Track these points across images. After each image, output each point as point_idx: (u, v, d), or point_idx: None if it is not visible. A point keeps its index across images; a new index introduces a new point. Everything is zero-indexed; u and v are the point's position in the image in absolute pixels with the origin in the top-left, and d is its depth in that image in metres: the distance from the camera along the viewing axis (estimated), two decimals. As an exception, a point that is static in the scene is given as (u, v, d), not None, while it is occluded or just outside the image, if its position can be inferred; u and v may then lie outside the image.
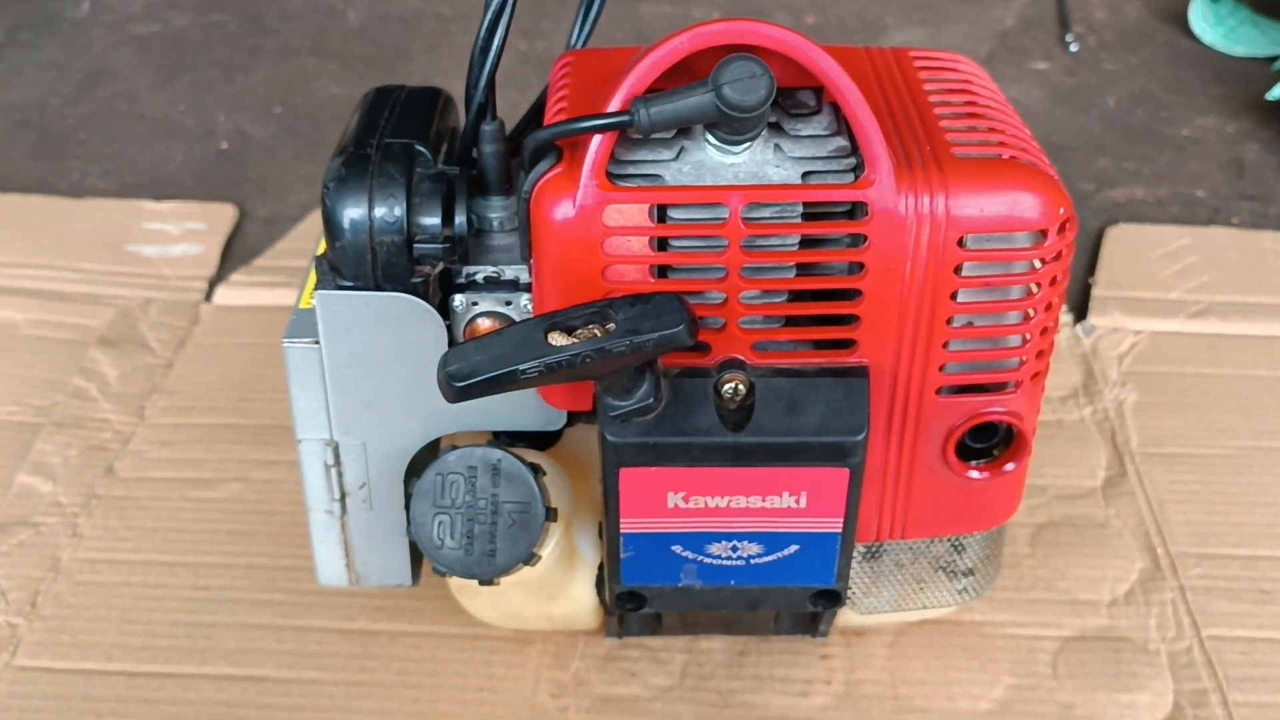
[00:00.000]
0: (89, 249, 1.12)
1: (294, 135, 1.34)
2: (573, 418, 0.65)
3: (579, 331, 0.54)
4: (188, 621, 0.78)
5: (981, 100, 0.62)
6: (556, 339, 0.54)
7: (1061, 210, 0.57)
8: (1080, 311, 1.04)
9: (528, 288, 0.62)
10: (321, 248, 0.62)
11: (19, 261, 1.10)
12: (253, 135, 1.34)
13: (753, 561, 0.63)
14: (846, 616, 0.74)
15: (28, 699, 0.73)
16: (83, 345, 1.00)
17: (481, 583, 0.62)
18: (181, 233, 1.15)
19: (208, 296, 1.08)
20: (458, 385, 0.53)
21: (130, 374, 0.98)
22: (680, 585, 0.64)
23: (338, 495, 0.66)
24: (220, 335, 1.03)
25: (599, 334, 0.54)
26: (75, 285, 1.08)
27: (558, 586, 0.70)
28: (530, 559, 0.62)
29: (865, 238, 0.56)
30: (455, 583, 0.71)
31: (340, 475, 0.66)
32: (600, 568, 0.70)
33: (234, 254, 1.14)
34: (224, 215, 1.18)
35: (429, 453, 0.66)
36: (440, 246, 0.60)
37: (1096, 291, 1.06)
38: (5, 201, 1.19)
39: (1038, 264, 0.58)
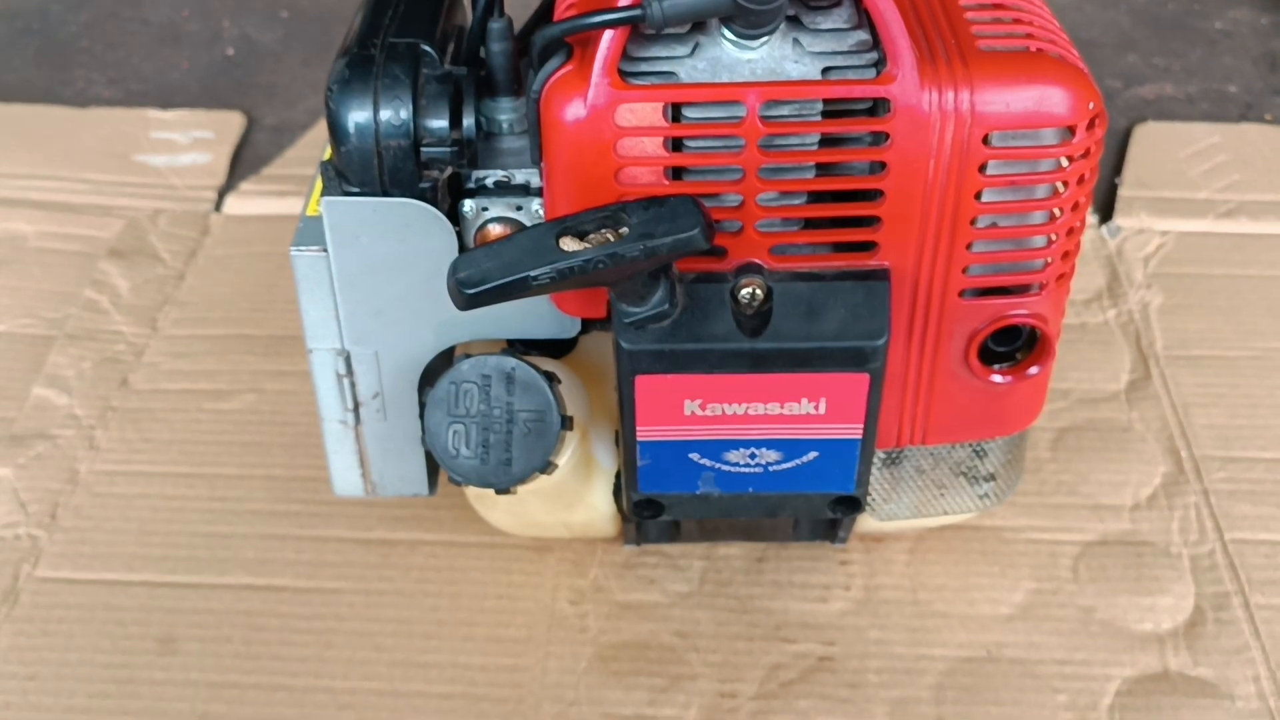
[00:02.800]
0: (96, 159, 1.10)
1: (301, 40, 1.31)
2: (588, 325, 0.64)
3: (591, 236, 0.53)
4: (206, 532, 0.78)
5: (1009, -10, 0.59)
6: (568, 244, 0.52)
7: (1091, 105, 0.55)
8: (1106, 212, 1.02)
9: (539, 192, 0.60)
10: (328, 153, 0.60)
11: (26, 173, 1.08)
12: (259, 40, 1.31)
13: (771, 468, 0.62)
14: (866, 522, 0.73)
15: (51, 609, 0.74)
16: (93, 257, 1.00)
17: (498, 492, 0.62)
18: (189, 142, 1.13)
19: (217, 206, 1.06)
20: (468, 292, 0.52)
21: (142, 285, 0.97)
22: (698, 493, 0.63)
23: (351, 405, 0.66)
24: (231, 245, 1.02)
25: (612, 238, 0.52)
26: (83, 196, 1.06)
27: (575, 495, 0.69)
28: (546, 468, 0.62)
29: (887, 136, 0.54)
30: (472, 492, 0.71)
31: (353, 385, 0.65)
32: (618, 476, 0.69)
33: (243, 163, 1.12)
34: (232, 123, 1.16)
35: (443, 361, 0.65)
36: (448, 150, 0.58)
37: (1123, 192, 1.03)
38: (10, 112, 1.18)
39: (1065, 162, 0.56)
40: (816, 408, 0.59)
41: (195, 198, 1.07)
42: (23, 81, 1.24)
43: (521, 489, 0.62)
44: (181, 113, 1.17)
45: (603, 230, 0.53)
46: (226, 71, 1.26)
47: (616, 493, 0.70)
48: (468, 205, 0.60)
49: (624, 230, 0.52)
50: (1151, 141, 1.10)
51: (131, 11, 1.35)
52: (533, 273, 0.52)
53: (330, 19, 1.34)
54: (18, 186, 1.07)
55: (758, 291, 0.57)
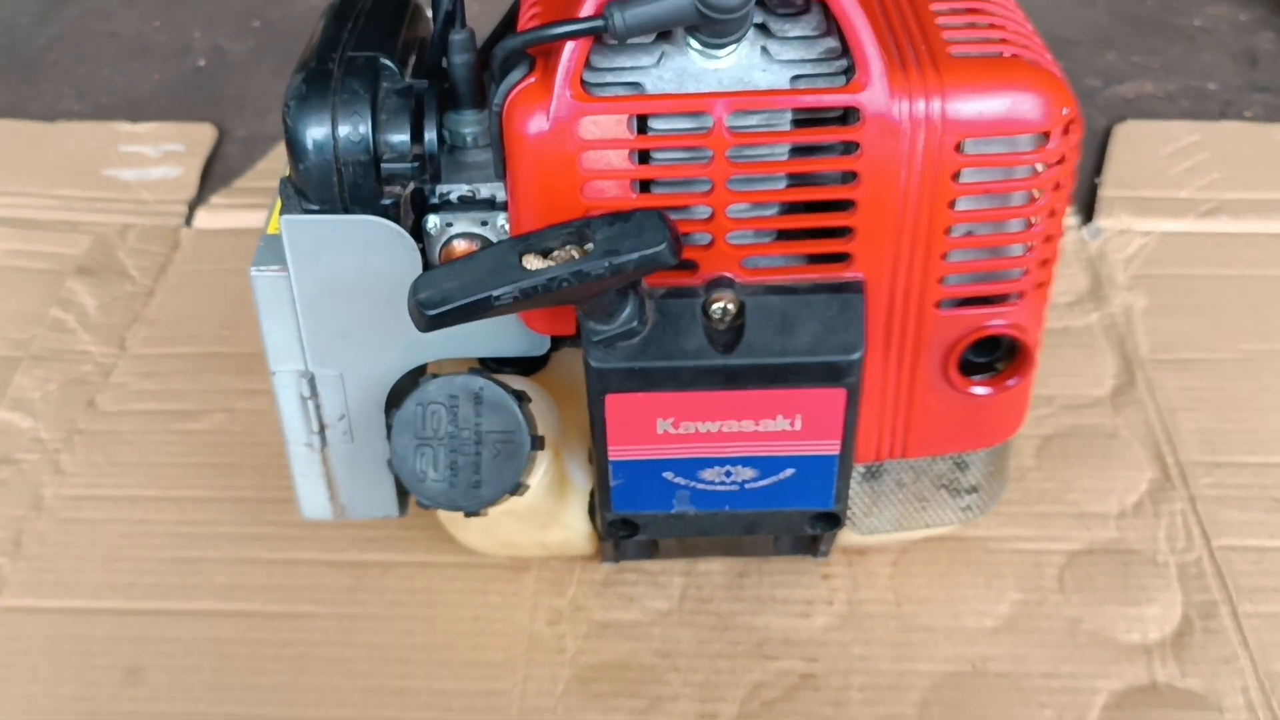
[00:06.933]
0: (64, 174, 1.08)
1: (273, 51, 1.29)
2: (559, 341, 0.63)
3: (556, 253, 0.51)
4: (175, 558, 0.76)
5: (981, -7, 0.58)
6: (531, 262, 0.51)
7: (1065, 110, 0.54)
8: (1087, 214, 1.01)
9: (504, 206, 0.59)
10: (288, 170, 0.59)
11: (-8, 190, 1.06)
12: (230, 52, 1.29)
13: (747, 486, 0.60)
14: (849, 535, 0.72)
15: (15, 640, 0.72)
16: (60, 275, 0.98)
17: (467, 515, 0.60)
18: (159, 155, 1.11)
19: (188, 221, 1.05)
20: (429, 314, 0.51)
21: (110, 304, 0.95)
22: (673, 512, 0.62)
23: (316, 428, 0.64)
24: (201, 261, 1.00)
25: (577, 255, 0.51)
26: (51, 212, 1.04)
27: (549, 514, 0.68)
28: (517, 489, 0.60)
29: (858, 145, 0.53)
30: (444, 513, 0.69)
31: (318, 407, 0.64)
32: (593, 494, 0.68)
33: (214, 176, 1.10)
34: (202, 136, 1.14)
35: (411, 381, 0.64)
36: (409, 165, 0.57)
37: (1104, 192, 1.02)
38: (-25, 128, 1.16)
39: (1040, 168, 0.55)
40: (792, 424, 0.58)
41: (165, 212, 1.05)
42: (-11, 96, 1.22)
43: (494, 510, 0.61)
44: (151, 125, 1.15)
45: (567, 247, 0.51)
46: (197, 83, 1.24)
47: (592, 511, 0.68)
48: (432, 221, 0.59)
49: (589, 247, 0.51)
50: (1131, 140, 1.09)
51: (101, 24, 1.33)
52: (495, 292, 0.50)
53: (302, 29, 1.31)
54: (-17, 204, 1.05)
55: (729, 306, 0.56)
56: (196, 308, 0.95)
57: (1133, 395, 0.85)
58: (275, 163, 1.11)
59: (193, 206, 1.06)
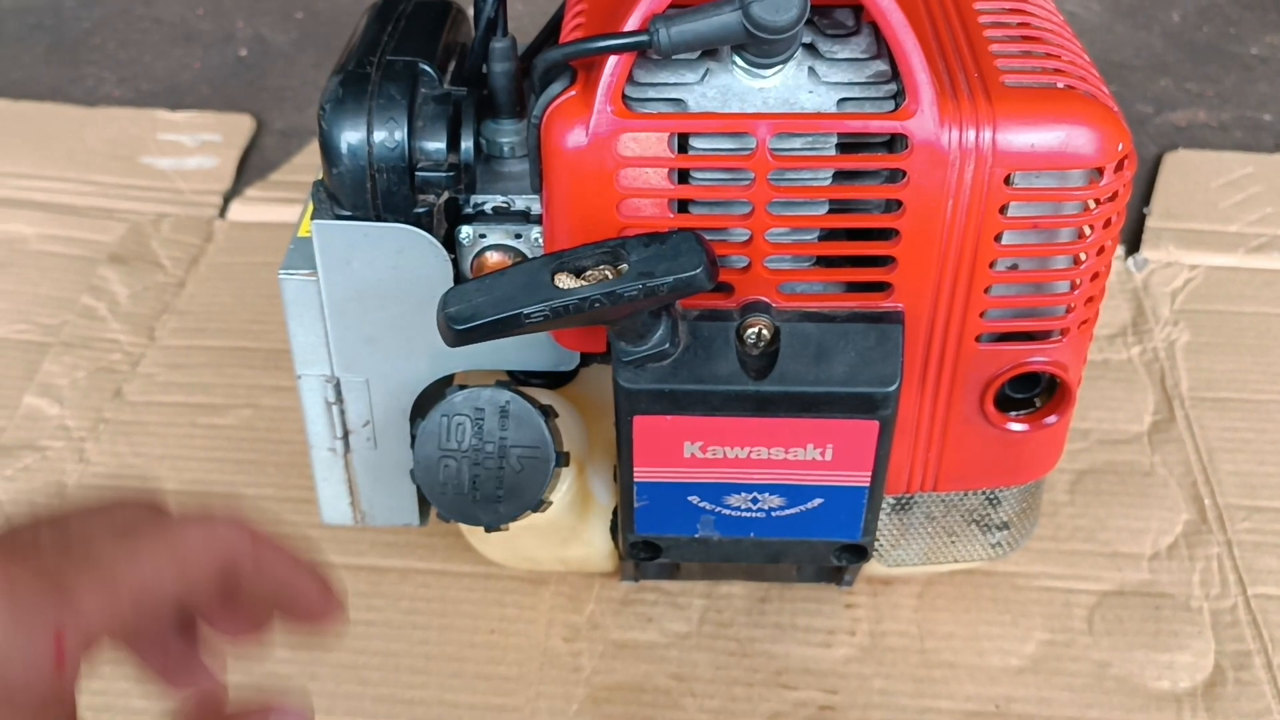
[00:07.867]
0: (102, 160, 1.08)
1: (315, 43, 1.29)
2: (588, 357, 0.62)
3: (589, 273, 0.50)
4: (193, 553, 0.76)
5: (1037, 21, 0.56)
6: (564, 281, 0.50)
7: (1120, 146, 0.52)
8: (1133, 244, 0.99)
9: (539, 219, 0.58)
10: (321, 173, 0.58)
11: (29, 173, 1.06)
12: (273, 42, 1.29)
13: (774, 514, 0.59)
14: (874, 565, 0.71)
15: (30, 629, 0.72)
16: (93, 262, 0.97)
17: (488, 530, 0.59)
18: (196, 144, 1.11)
19: (222, 212, 1.04)
20: (458, 328, 0.49)
21: (141, 293, 0.95)
22: (697, 536, 0.61)
23: (340, 433, 0.63)
24: (234, 253, 1.00)
25: (610, 275, 0.50)
26: (87, 198, 1.04)
27: (570, 531, 0.67)
28: (540, 505, 0.59)
29: (904, 173, 0.52)
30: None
31: (343, 412, 0.63)
32: (615, 512, 0.67)
33: (250, 167, 1.10)
34: (241, 126, 1.14)
35: (438, 390, 0.63)
36: (445, 174, 0.56)
37: (1151, 222, 1.00)
38: (17, 109, 1.16)
39: (1091, 204, 0.54)
40: (823, 454, 0.56)
41: (200, 202, 1.05)
42: (31, 78, 1.22)
43: (514, 525, 0.60)
44: (190, 114, 1.15)
45: (601, 267, 0.50)
46: (238, 73, 1.24)
47: (614, 529, 0.67)
48: (465, 232, 0.58)
49: (623, 267, 0.50)
50: (1182, 170, 1.06)
51: (145, 9, 1.33)
52: (525, 310, 0.49)
53: (345, 21, 1.31)
54: (21, 186, 1.05)
55: (764, 331, 0.55)
56: (227, 300, 0.95)
57: (1172, 433, 0.83)
58: (312, 157, 1.11)
59: (227, 198, 1.06)
